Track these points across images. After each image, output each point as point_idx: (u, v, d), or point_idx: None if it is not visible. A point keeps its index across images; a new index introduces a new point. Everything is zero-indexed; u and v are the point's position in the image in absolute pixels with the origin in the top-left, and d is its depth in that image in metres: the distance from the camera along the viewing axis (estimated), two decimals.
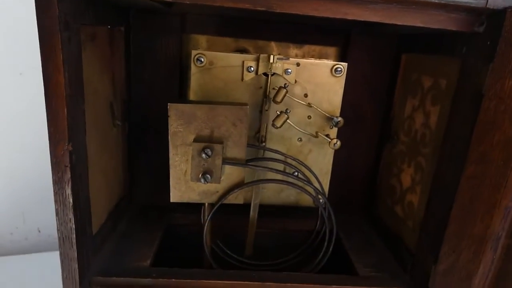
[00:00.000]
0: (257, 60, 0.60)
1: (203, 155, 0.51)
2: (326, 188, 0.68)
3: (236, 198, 0.56)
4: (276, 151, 0.61)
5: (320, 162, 0.67)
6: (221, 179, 0.54)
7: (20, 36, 0.82)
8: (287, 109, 0.61)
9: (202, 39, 0.69)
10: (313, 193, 0.60)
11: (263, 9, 0.43)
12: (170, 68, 0.66)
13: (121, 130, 0.65)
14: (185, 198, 0.56)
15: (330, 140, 0.60)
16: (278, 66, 0.60)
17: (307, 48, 0.70)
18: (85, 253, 0.51)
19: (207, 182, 0.53)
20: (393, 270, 0.60)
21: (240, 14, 0.64)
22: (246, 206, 0.61)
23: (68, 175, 0.45)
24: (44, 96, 0.42)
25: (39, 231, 0.99)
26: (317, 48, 0.71)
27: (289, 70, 0.61)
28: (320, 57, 0.71)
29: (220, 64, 0.60)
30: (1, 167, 0.91)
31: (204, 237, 0.58)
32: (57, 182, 0.45)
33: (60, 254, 0.48)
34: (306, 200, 0.69)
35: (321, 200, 0.61)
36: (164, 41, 0.65)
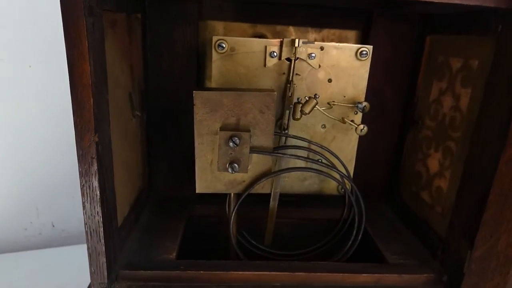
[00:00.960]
0: (281, 44, 0.58)
1: (231, 144, 0.50)
2: (351, 175, 0.67)
3: (263, 187, 0.55)
4: (301, 138, 0.60)
5: (345, 149, 0.65)
6: (248, 168, 0.53)
7: (29, 28, 0.80)
8: (315, 94, 0.59)
9: (219, 25, 0.67)
10: (339, 179, 0.58)
11: None
12: (188, 56, 0.64)
13: (139, 121, 0.64)
14: (211, 189, 0.54)
15: (356, 126, 0.58)
16: (302, 50, 0.58)
17: (326, 32, 0.68)
18: (112, 246, 0.50)
19: (235, 172, 0.51)
20: (422, 257, 0.59)
21: None
22: (264, 196, 0.59)
23: (95, 167, 0.43)
24: (69, 85, 0.41)
25: (53, 226, 0.98)
26: (336, 32, 0.68)
27: (313, 55, 0.59)
28: (340, 41, 0.69)
29: (242, 50, 0.59)
30: (14, 161, 0.89)
31: (231, 228, 0.57)
32: (84, 174, 0.44)
33: (88, 248, 0.47)
34: (330, 188, 0.68)
35: (347, 186, 0.59)
36: (181, 28, 0.63)
